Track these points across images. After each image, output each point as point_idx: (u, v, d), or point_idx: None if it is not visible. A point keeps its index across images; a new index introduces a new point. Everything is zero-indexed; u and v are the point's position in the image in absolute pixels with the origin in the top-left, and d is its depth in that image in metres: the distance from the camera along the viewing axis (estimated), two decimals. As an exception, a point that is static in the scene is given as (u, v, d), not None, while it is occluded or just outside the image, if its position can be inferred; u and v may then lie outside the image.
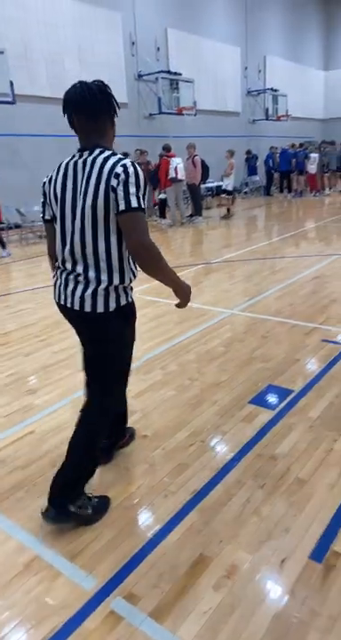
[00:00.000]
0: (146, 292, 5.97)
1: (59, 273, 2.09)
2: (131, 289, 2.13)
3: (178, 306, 2.15)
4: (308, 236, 9.58)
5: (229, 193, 12.62)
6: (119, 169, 1.85)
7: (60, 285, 2.07)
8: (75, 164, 1.95)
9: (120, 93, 13.80)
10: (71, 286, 2.02)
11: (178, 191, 11.99)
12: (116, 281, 2.00)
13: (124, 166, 1.85)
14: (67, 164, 1.98)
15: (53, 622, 1.70)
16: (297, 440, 2.67)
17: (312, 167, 15.72)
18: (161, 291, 5.97)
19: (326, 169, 16.31)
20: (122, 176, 1.83)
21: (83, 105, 1.90)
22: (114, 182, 1.84)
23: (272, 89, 19.44)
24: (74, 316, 2.07)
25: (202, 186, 12.97)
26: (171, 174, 11.53)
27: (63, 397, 3.35)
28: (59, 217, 2.00)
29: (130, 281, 2.09)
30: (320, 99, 24.64)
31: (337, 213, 12.32)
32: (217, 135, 16.17)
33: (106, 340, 2.08)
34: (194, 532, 2.05)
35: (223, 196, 12.90)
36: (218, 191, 12.62)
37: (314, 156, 15.67)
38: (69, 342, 4.40)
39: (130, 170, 1.85)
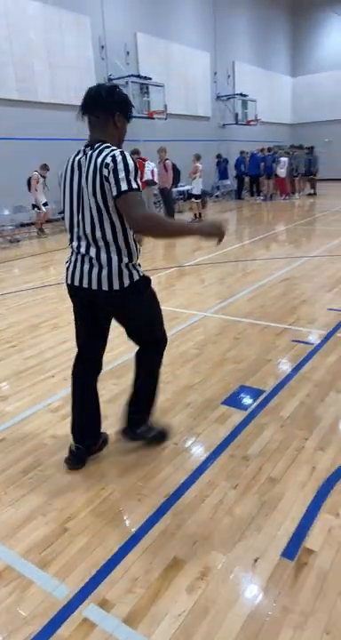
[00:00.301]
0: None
1: (73, 257, 2.29)
2: (139, 265, 2.33)
3: (217, 243, 2.22)
4: (278, 238, 9.74)
5: (197, 197, 12.64)
6: (108, 159, 2.05)
7: (74, 268, 2.28)
8: (80, 159, 2.16)
9: (90, 97, 13.74)
10: (87, 268, 2.22)
11: (151, 195, 12.03)
12: (126, 259, 2.21)
13: (113, 156, 2.05)
14: (74, 159, 2.20)
15: (25, 633, 1.66)
16: (268, 440, 2.70)
17: (281, 171, 15.99)
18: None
19: (295, 173, 16.61)
20: (111, 165, 2.03)
21: (90, 104, 2.17)
22: (105, 172, 2.05)
23: (241, 94, 19.71)
24: (92, 295, 2.26)
25: (174, 189, 13.02)
26: (148, 176, 11.56)
27: (35, 404, 3.30)
28: (69, 209, 2.22)
29: (137, 258, 2.29)
30: (288, 104, 25.12)
31: (305, 216, 12.57)
32: (187, 139, 16.27)
33: (128, 313, 2.34)
34: (168, 536, 2.05)
35: (192, 200, 12.91)
36: (190, 195, 12.64)
37: (284, 160, 15.94)
38: (40, 348, 4.34)
39: (118, 158, 2.04)
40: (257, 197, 17.35)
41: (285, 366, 3.67)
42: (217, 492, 2.30)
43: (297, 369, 3.60)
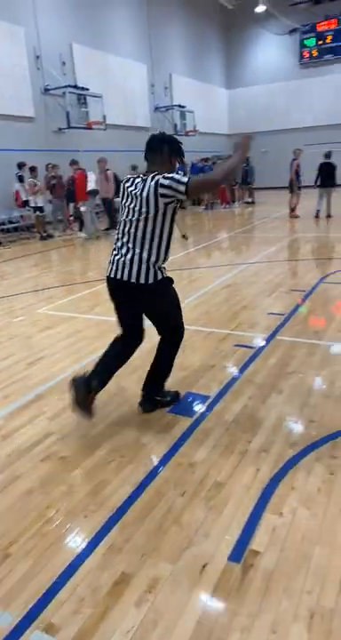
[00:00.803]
0: (60, 307, 5.84)
1: (115, 253, 2.84)
2: (165, 269, 2.87)
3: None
4: (220, 246, 9.96)
5: None
6: (158, 177, 2.66)
7: (117, 263, 2.82)
8: (139, 178, 2.78)
9: (26, 107, 13.48)
10: (128, 265, 2.77)
11: (93, 205, 11.94)
12: (153, 259, 2.76)
13: (162, 176, 2.66)
14: (135, 177, 2.82)
15: (-34, 670, 1.57)
16: (214, 444, 2.73)
17: (221, 180, 16.39)
18: (78, 306, 5.88)
19: (234, 182, 17.06)
20: (161, 181, 2.63)
21: (148, 145, 2.87)
22: (158, 188, 2.64)
23: (179, 105, 20.05)
24: (127, 286, 2.81)
25: (116, 199, 12.99)
26: (92, 186, 11.47)
27: (-26, 425, 3.16)
28: (125, 213, 2.80)
29: (163, 262, 2.84)
30: (224, 115, 25.83)
31: (245, 224, 12.94)
32: (128, 150, 16.29)
33: (152, 305, 2.94)
34: (115, 551, 2.02)
35: None
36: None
37: (222, 169, 16.35)
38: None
39: (167, 175, 2.66)
40: (198, 206, 17.67)
41: (228, 371, 3.74)
42: (164, 501, 2.29)
43: (239, 373, 3.67)
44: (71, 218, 13.16)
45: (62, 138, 14.71)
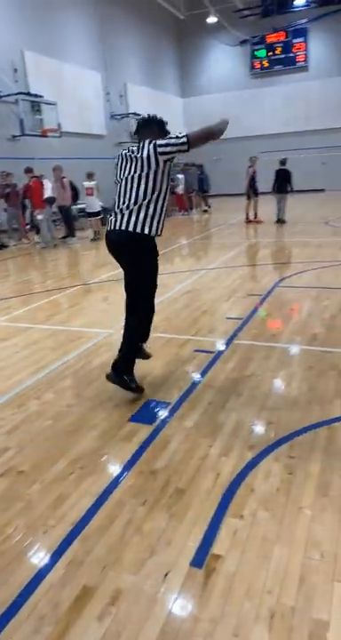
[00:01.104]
0: (17, 318, 5.72)
1: (115, 211, 3.24)
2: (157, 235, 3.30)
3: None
4: (180, 253, 10.03)
5: (94, 214, 12.31)
6: (154, 141, 3.16)
7: (115, 216, 3.24)
8: (135, 147, 3.23)
9: (-22, 114, 13.17)
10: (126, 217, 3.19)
11: (50, 213, 11.77)
12: (151, 213, 3.19)
13: (157, 140, 3.16)
14: (130, 147, 3.25)
15: None
16: (174, 451, 2.74)
17: (179, 188, 16.54)
18: (35, 316, 5.76)
19: (191, 189, 17.27)
20: (159, 142, 3.12)
21: (141, 123, 3.46)
22: (157, 148, 3.11)
23: (135, 113, 20.11)
24: (119, 237, 3.23)
25: (74, 207, 12.86)
26: (48, 194, 11.29)
27: None
28: (124, 173, 3.22)
29: (158, 226, 3.27)
30: (180, 123, 26.07)
31: (203, 231, 13.11)
32: (84, 157, 16.18)
33: (132, 256, 3.33)
34: (76, 565, 1.98)
35: (89, 218, 12.62)
36: (88, 213, 12.41)
37: (180, 177, 16.52)
38: None
39: (161, 139, 3.17)
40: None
41: (189, 376, 3.76)
42: (125, 511, 2.27)
43: (199, 378, 3.70)
44: (27, 227, 12.91)
45: (16, 145, 14.43)
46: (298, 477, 2.43)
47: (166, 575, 1.90)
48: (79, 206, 13.54)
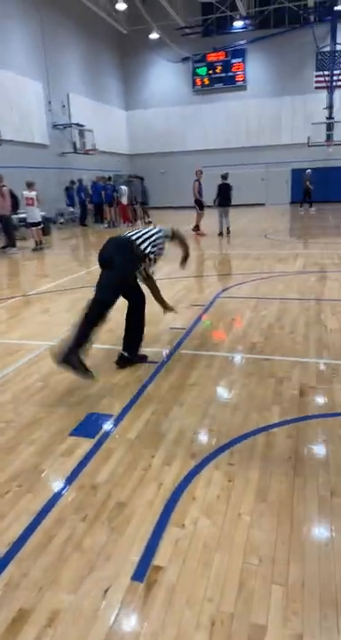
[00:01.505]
0: None
1: None
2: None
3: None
4: (123, 263, 9.99)
5: (35, 224, 12.00)
6: None
7: None
8: None
9: None
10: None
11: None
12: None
13: None
14: None
15: None
16: (116, 464, 2.70)
17: (123, 199, 16.58)
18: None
19: (134, 201, 17.36)
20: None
21: None
22: None
23: (77, 124, 19.99)
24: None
25: (14, 216, 12.51)
26: None
27: None
28: None
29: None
30: (124, 136, 26.26)
31: (147, 241, 13.14)
32: (26, 166, 15.85)
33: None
34: (12, 587, 1.90)
35: (31, 228, 12.28)
36: (29, 223, 12.09)
37: (124, 188, 16.56)
38: None
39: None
40: (101, 224, 17.66)
41: (132, 388, 3.74)
42: (65, 528, 2.21)
43: (142, 389, 3.69)
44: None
45: None
46: (238, 484, 2.47)
47: (106, 591, 1.86)
48: (20, 216, 13.20)
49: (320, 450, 2.77)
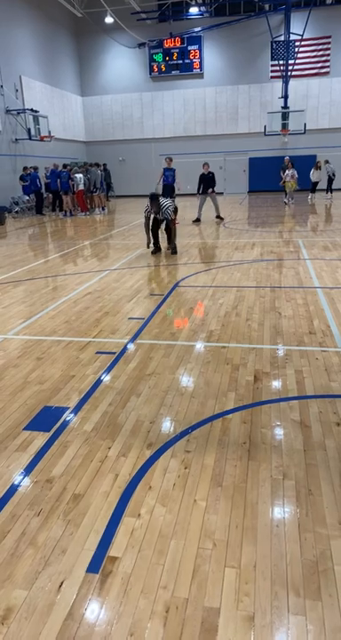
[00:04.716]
0: None
1: None
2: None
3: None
4: (81, 253, 9.84)
5: None
6: None
7: None
8: None
9: None
10: None
11: None
12: None
13: None
14: None
15: None
16: (72, 456, 2.68)
17: (80, 187, 16.23)
18: None
19: (93, 189, 17.04)
20: None
21: None
22: None
23: (31, 109, 19.38)
24: None
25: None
26: None
27: None
28: None
29: None
30: (80, 122, 25.69)
31: (105, 232, 13.00)
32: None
33: None
34: None
35: None
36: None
37: (79, 176, 16.21)
38: None
39: None
40: (58, 213, 17.27)
41: (89, 379, 3.70)
42: (19, 524, 2.17)
43: (99, 380, 3.66)
44: None
45: None
46: (194, 470, 2.50)
47: (61, 585, 1.85)
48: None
49: (273, 434, 2.84)
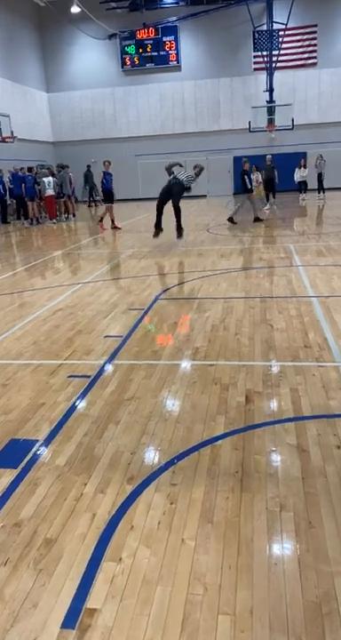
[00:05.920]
0: None
1: None
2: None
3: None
4: (50, 265, 9.81)
5: None
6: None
7: None
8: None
9: None
10: None
11: None
12: None
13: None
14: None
15: None
16: (43, 495, 2.63)
17: (49, 192, 16.19)
18: None
19: (61, 194, 17.04)
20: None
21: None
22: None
23: (-7, 108, 19.40)
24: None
25: None
26: None
27: None
28: None
29: None
30: (46, 121, 25.81)
31: (77, 241, 13.00)
32: None
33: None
34: None
35: None
36: None
37: (48, 180, 16.21)
38: None
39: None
40: (24, 221, 17.22)
41: (60, 407, 3.66)
42: (-17, 576, 2.12)
43: (73, 408, 3.63)
44: None
45: None
46: (181, 506, 2.48)
47: (32, 645, 1.80)
48: None
49: (267, 461, 2.84)
